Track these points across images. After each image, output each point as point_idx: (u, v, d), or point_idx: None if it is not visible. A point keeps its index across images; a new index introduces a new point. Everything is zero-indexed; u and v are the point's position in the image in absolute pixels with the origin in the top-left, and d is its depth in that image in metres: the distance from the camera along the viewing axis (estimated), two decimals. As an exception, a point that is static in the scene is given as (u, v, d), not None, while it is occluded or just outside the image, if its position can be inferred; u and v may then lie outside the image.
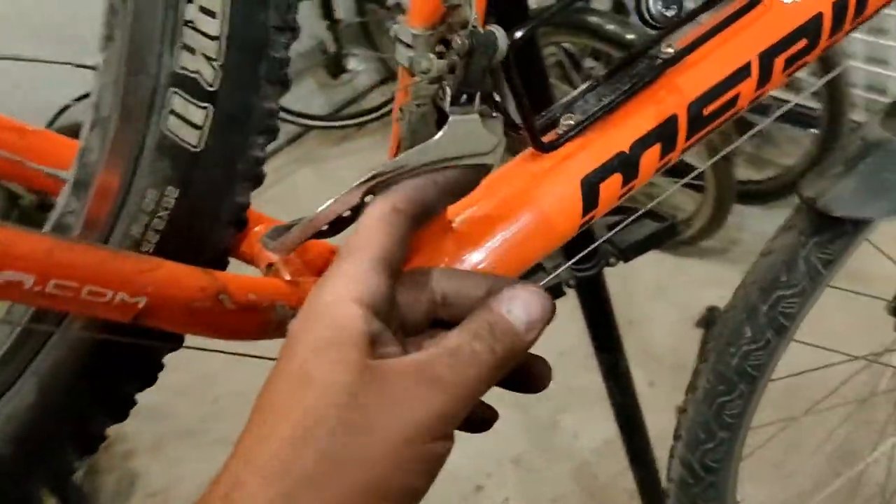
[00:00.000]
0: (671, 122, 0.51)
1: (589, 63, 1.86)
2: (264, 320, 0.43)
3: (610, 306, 1.12)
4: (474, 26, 0.39)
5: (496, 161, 0.45)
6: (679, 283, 1.99)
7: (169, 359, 0.48)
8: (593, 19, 1.59)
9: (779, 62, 0.51)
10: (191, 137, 0.40)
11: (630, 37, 1.62)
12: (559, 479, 1.61)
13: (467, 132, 0.42)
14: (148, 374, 0.45)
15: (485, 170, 0.44)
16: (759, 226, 2.07)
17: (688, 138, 0.52)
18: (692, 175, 1.76)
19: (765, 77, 0.52)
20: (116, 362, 0.44)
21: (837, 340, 0.87)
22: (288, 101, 2.44)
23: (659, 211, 1.07)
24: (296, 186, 2.64)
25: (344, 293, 0.33)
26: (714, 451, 0.79)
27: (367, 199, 0.44)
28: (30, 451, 0.44)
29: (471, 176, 0.43)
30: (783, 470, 1.46)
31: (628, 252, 1.09)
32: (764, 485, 1.47)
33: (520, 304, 0.35)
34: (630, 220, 0.98)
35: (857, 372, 0.92)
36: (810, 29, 0.51)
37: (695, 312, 1.88)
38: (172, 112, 0.39)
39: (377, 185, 0.44)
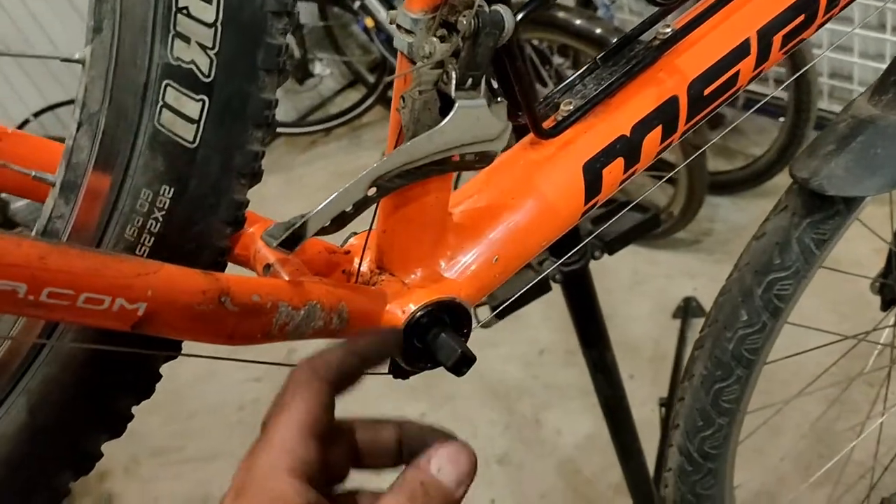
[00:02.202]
0: (672, 103, 0.50)
1: (558, 60, 1.86)
2: (267, 322, 0.41)
3: (596, 300, 1.11)
4: (480, 5, 0.38)
5: (503, 146, 0.43)
6: (653, 275, 1.99)
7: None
8: (561, 15, 1.59)
9: (777, 39, 0.51)
10: (186, 132, 0.37)
11: (598, 31, 1.63)
12: (544, 476, 1.60)
13: (474, 117, 0.41)
14: (145, 385, 0.43)
15: (396, 348, 0.45)
16: (729, 216, 2.09)
17: (688, 120, 0.51)
18: (673, 173, 1.77)
19: (764, 54, 0.51)
20: (112, 374, 0.41)
21: (819, 321, 0.87)
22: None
23: (641, 202, 1.07)
24: (265, 195, 2.60)
25: (277, 465, 0.34)
26: (712, 437, 0.78)
27: (371, 192, 0.43)
28: (21, 474, 0.41)
29: (388, 343, 0.44)
30: (767, 455, 1.47)
31: (613, 244, 1.08)
32: (748, 471, 1.47)
33: (448, 462, 0.36)
34: (616, 212, 0.97)
35: (849, 351, 0.92)
36: (807, 4, 0.50)
37: (671, 304, 1.89)
38: (166, 106, 0.37)
39: (381, 178, 0.42)
